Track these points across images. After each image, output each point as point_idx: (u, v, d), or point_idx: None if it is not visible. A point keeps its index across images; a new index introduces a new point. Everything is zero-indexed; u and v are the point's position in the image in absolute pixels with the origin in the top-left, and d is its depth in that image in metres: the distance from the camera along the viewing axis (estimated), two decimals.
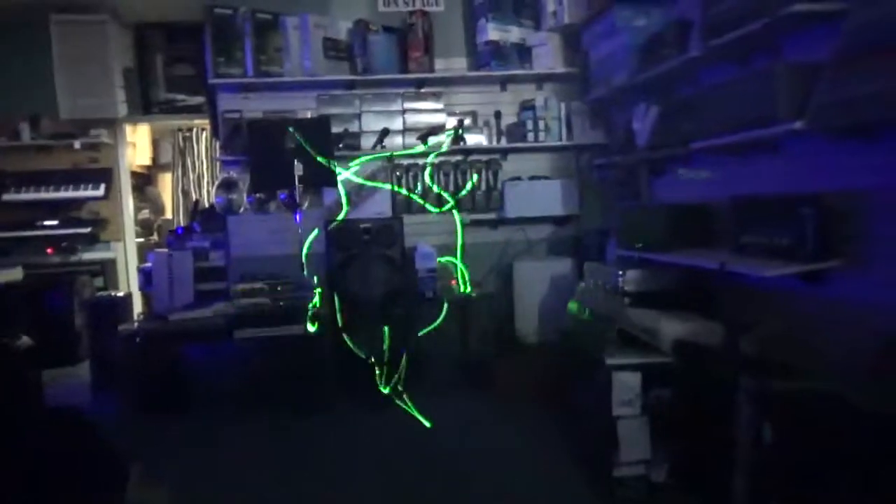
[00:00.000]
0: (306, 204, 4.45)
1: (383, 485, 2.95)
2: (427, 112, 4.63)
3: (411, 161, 4.62)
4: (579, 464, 3.00)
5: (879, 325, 2.08)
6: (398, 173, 4.60)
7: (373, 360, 4.09)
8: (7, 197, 5.09)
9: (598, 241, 4.13)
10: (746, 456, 2.26)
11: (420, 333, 4.21)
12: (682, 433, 2.66)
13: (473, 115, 4.75)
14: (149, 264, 4.48)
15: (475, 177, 4.63)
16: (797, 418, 2.10)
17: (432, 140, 4.50)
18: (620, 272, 3.20)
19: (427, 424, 3.65)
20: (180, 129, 7.43)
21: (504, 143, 4.69)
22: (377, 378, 4.05)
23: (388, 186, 4.53)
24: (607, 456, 2.71)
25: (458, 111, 4.71)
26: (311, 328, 3.93)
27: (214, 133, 4.82)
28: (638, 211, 3.79)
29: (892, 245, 2.14)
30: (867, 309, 2.23)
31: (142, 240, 6.27)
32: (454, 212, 4.55)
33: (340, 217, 4.43)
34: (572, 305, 3.69)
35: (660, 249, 3.14)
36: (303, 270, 3.97)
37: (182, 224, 6.42)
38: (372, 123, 4.57)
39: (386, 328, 4.15)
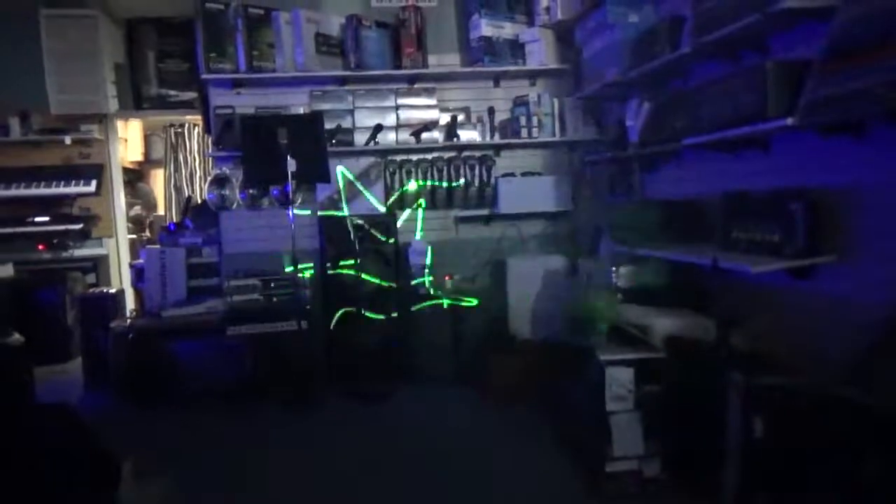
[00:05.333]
0: (299, 200, 4.44)
1: (375, 477, 2.95)
2: (420, 108, 4.63)
3: (404, 157, 4.62)
4: (572, 459, 3.01)
5: (867, 320, 2.10)
6: (391, 170, 4.60)
7: (366, 355, 4.09)
8: None
9: (591, 238, 4.14)
10: (737, 450, 2.28)
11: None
12: (674, 428, 2.68)
13: (466, 111, 4.74)
14: (141, 261, 4.47)
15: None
16: (786, 412, 2.12)
17: (426, 136, 4.50)
18: (613, 268, 3.21)
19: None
20: (172, 125, 7.40)
21: (497, 139, 4.70)
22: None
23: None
24: (600, 451, 2.72)
25: (451, 107, 4.71)
26: (303, 324, 3.93)
27: (207, 129, 4.80)
28: (630, 207, 3.80)
29: (880, 241, 2.16)
30: (855, 304, 2.25)
31: (134, 236, 6.25)
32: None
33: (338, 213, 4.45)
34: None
35: (652, 245, 3.15)
36: (295, 266, 3.98)
37: (174, 220, 6.40)
38: (365, 119, 4.56)
39: (379, 323, 4.16)
